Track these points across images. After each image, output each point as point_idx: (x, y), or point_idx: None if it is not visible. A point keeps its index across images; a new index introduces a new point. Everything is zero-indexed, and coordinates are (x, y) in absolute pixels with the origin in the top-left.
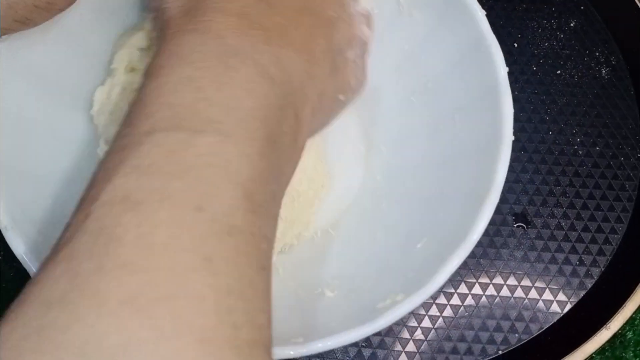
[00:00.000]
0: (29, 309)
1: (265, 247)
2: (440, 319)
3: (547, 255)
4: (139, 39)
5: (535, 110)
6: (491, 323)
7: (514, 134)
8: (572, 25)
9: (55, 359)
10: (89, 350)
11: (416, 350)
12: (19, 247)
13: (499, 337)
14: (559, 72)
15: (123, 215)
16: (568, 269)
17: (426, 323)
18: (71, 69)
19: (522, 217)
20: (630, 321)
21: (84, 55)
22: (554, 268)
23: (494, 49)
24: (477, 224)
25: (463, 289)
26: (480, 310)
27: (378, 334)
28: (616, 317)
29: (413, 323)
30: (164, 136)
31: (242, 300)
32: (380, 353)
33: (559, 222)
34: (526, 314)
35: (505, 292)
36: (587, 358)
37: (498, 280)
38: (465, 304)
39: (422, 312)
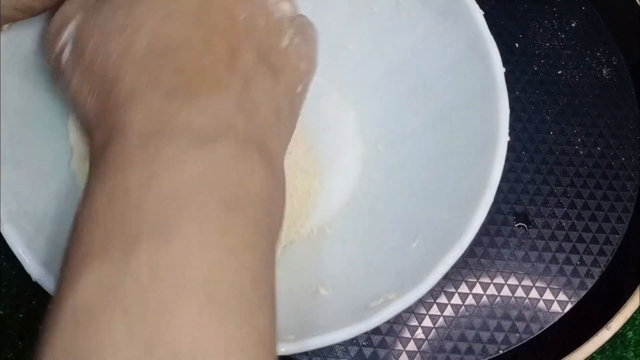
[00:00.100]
0: None
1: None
2: (441, 319)
3: (548, 255)
4: None
5: (536, 110)
6: (492, 322)
7: (516, 133)
8: (573, 25)
9: None
10: None
11: (417, 350)
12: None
13: (499, 336)
14: (560, 72)
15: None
16: (569, 268)
17: (427, 322)
18: None
19: (523, 217)
20: (631, 321)
21: None
22: (554, 268)
23: (491, 48)
24: (472, 224)
25: (464, 288)
26: (481, 309)
27: (379, 333)
28: (617, 317)
29: (414, 322)
30: None
31: None
32: (381, 352)
33: (560, 222)
34: (527, 314)
35: (506, 291)
36: (587, 358)
37: (499, 279)
38: (466, 303)
39: (423, 311)
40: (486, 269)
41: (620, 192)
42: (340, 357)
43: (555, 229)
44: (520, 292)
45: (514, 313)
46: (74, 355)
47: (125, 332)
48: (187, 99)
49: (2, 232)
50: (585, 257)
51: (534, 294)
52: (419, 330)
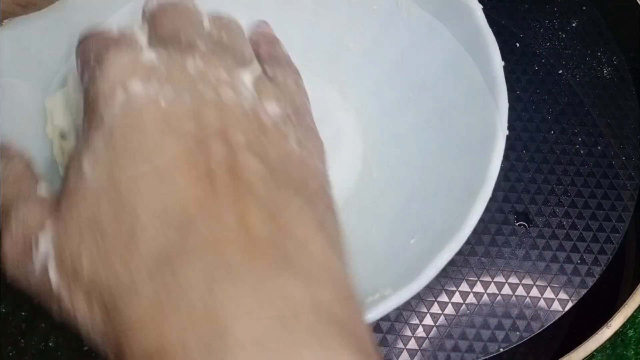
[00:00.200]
0: None
1: None
2: (442, 317)
3: (548, 254)
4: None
5: (537, 110)
6: (493, 321)
7: (517, 132)
8: (573, 25)
9: None
10: None
11: (418, 348)
12: None
13: (500, 335)
14: (560, 72)
15: None
16: (569, 267)
17: (428, 321)
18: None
19: (523, 216)
20: (632, 319)
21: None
22: (555, 266)
23: (490, 41)
24: (470, 219)
25: (464, 287)
26: (482, 308)
27: (380, 331)
28: (617, 316)
29: (415, 320)
30: None
31: None
32: (382, 350)
33: (561, 220)
34: (527, 312)
35: (506, 290)
36: (587, 356)
37: (500, 278)
38: (467, 302)
39: (424, 309)
40: (487, 268)
41: (621, 191)
42: None
43: (555, 228)
44: (520, 291)
45: (514, 311)
46: None
47: None
48: (231, 300)
49: None
50: (585, 255)
51: (534, 292)
52: (420, 329)
